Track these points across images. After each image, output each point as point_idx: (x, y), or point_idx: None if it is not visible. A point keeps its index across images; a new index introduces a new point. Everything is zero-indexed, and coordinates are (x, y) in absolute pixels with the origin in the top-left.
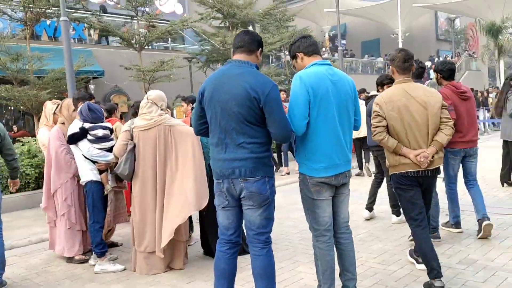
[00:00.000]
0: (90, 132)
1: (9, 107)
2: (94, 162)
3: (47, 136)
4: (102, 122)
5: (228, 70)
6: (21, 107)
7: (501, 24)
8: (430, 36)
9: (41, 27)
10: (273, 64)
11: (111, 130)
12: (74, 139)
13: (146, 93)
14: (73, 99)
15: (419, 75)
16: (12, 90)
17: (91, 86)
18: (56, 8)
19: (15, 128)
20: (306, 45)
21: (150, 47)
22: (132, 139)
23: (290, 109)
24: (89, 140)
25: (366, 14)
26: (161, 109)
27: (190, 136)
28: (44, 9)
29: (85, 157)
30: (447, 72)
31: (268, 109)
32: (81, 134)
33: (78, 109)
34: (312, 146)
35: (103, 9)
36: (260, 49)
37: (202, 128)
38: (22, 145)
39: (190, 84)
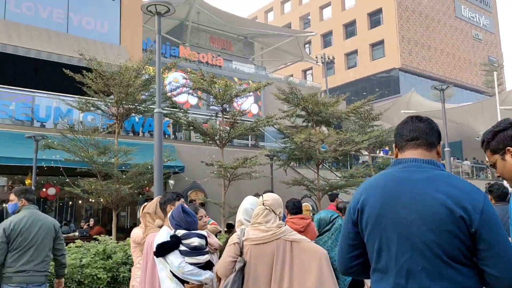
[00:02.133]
0: (183, 242)
1: (90, 200)
2: (183, 282)
3: (140, 234)
4: (197, 228)
5: (403, 174)
6: (102, 201)
7: None
8: None
9: (130, 122)
10: (358, 163)
11: (206, 240)
12: (163, 250)
13: (225, 189)
14: (160, 204)
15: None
16: (96, 184)
17: (171, 182)
18: (145, 104)
19: (91, 221)
20: None
21: (231, 144)
22: (241, 254)
23: None
24: (181, 252)
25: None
26: (279, 218)
27: (319, 257)
28: (135, 105)
29: (173, 274)
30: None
31: (485, 235)
32: (173, 244)
33: (169, 214)
34: None
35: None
36: (440, 142)
37: (354, 265)
38: (98, 243)
39: (270, 182)
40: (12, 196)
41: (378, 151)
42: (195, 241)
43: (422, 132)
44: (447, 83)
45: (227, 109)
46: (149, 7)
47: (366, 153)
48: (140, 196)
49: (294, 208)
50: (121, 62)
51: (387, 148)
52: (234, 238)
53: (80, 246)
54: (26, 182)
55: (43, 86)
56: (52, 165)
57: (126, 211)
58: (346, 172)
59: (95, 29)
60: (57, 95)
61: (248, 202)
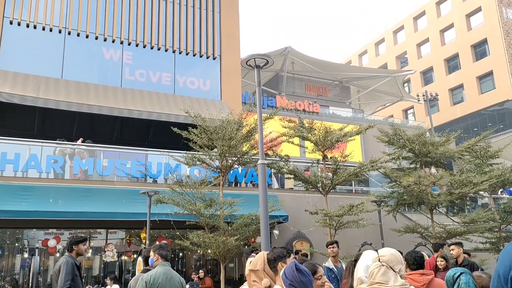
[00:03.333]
0: None
1: (198, 252)
2: None
3: None
4: None
5: None
6: (209, 252)
7: None
8: None
9: (233, 173)
10: (477, 206)
11: None
12: None
13: (331, 239)
14: (269, 261)
15: None
16: (203, 236)
17: (276, 232)
18: (247, 156)
19: (201, 272)
20: None
21: (334, 191)
22: None
23: None
24: None
25: None
26: (400, 276)
27: None
28: (238, 157)
29: None
30: None
31: None
32: None
33: (281, 271)
34: None
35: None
36: None
37: None
38: None
39: (379, 230)
40: (151, 252)
41: (500, 192)
42: None
43: None
44: None
45: (328, 155)
46: (249, 61)
47: (486, 194)
48: (246, 247)
49: (415, 263)
50: (223, 117)
51: (511, 188)
52: None
53: None
54: (142, 236)
55: (154, 144)
56: (164, 218)
57: (233, 263)
58: (465, 217)
59: (199, 87)
60: (166, 151)
61: (370, 258)
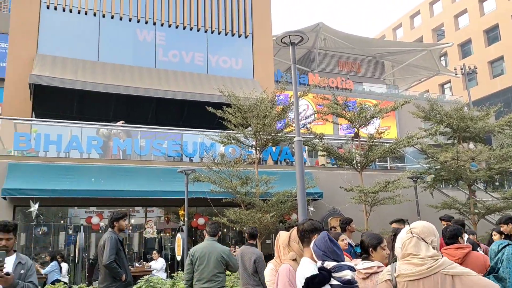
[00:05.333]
0: (335, 275)
1: (233, 229)
2: None
3: (272, 273)
4: (344, 259)
5: None
6: (245, 229)
7: None
8: None
9: (267, 152)
10: None
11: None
12: (314, 284)
13: (366, 215)
14: (304, 231)
15: None
16: (240, 213)
17: (311, 209)
18: (281, 134)
19: (236, 248)
20: None
21: (369, 167)
22: None
23: None
24: (333, 287)
25: None
26: (433, 247)
27: None
28: (272, 135)
29: None
30: None
31: None
32: (324, 278)
33: (312, 243)
34: None
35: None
36: None
37: None
38: None
39: (416, 206)
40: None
41: None
42: (347, 274)
43: None
44: None
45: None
46: (283, 38)
47: None
48: (281, 224)
49: (451, 237)
50: (256, 95)
51: None
52: (385, 274)
53: (230, 275)
54: (180, 213)
55: (189, 124)
56: (201, 196)
57: (270, 239)
58: (505, 192)
59: (231, 66)
60: (201, 131)
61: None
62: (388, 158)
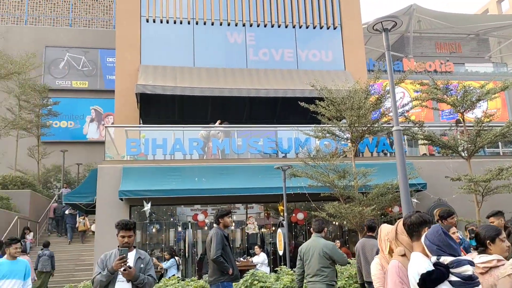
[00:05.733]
0: (453, 271)
1: (333, 223)
2: None
3: (377, 267)
4: (460, 254)
5: None
6: (345, 223)
7: None
8: None
9: (363, 144)
10: None
11: None
12: (431, 281)
13: (478, 206)
14: (412, 225)
15: None
16: (339, 207)
17: (414, 200)
18: (377, 124)
19: (337, 243)
20: None
21: (478, 154)
22: None
23: None
24: (453, 283)
25: None
26: None
27: None
28: (368, 126)
29: None
30: None
31: None
32: (442, 274)
33: (423, 237)
34: None
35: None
36: None
37: None
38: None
39: None
40: None
41: None
42: (468, 270)
43: None
44: None
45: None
46: (375, 25)
47: None
48: (382, 217)
49: None
50: (349, 87)
51: None
52: (508, 268)
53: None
54: (279, 208)
55: (282, 120)
56: (298, 191)
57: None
58: None
59: (321, 59)
60: (295, 127)
61: None
62: (499, 143)
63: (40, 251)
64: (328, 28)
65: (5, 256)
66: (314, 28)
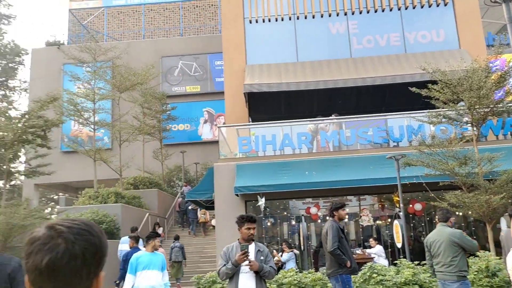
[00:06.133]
0: None
1: (457, 214)
2: None
3: None
4: None
5: None
6: (471, 213)
7: None
8: None
9: (487, 127)
10: None
11: None
12: None
13: None
14: None
15: None
16: (462, 196)
17: None
18: (502, 104)
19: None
20: None
21: None
22: None
23: None
24: None
25: None
26: None
27: None
28: (490, 107)
29: None
30: None
31: None
32: None
33: None
34: None
35: None
36: None
37: None
38: (479, 259)
39: None
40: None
41: None
42: None
43: None
44: None
45: None
46: None
47: None
48: None
49: None
50: (466, 66)
51: None
52: None
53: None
54: (394, 199)
55: (391, 108)
56: (414, 181)
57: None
58: None
59: (431, 40)
60: (406, 113)
61: None
62: None
63: (172, 243)
64: (438, 5)
65: (146, 248)
66: (422, 7)
